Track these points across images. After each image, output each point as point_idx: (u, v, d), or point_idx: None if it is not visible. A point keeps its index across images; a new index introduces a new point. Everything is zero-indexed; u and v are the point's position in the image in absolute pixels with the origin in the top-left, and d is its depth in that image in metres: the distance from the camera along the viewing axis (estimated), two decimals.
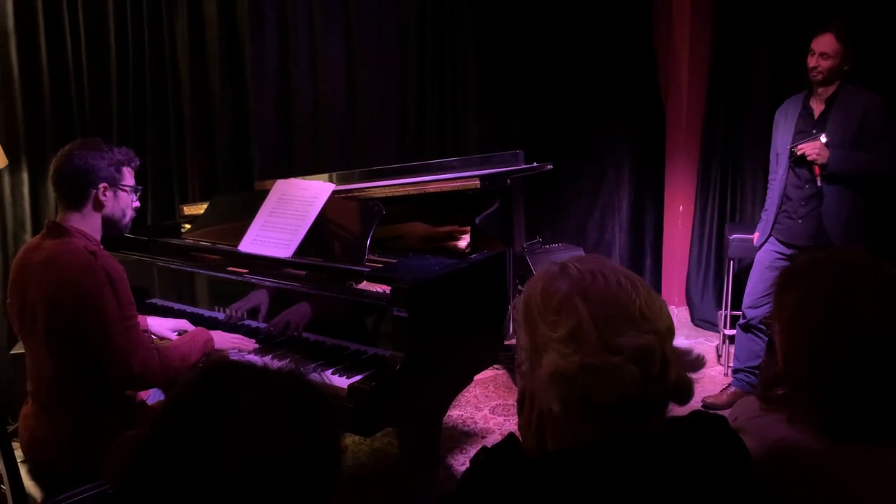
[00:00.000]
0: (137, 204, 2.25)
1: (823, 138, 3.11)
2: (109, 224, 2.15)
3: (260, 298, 2.40)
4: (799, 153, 3.14)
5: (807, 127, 3.22)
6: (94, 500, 2.00)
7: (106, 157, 2.11)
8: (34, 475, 2.05)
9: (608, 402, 0.96)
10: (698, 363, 1.04)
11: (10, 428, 2.70)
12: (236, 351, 2.26)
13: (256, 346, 2.31)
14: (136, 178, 2.22)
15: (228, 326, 2.44)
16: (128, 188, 2.17)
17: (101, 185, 2.09)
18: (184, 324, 2.45)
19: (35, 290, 1.99)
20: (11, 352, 3.05)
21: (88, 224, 2.09)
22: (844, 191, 3.13)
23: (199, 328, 2.28)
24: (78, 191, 2.07)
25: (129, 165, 2.18)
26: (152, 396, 2.40)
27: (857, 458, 1.14)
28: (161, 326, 2.42)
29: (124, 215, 2.17)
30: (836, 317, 1.14)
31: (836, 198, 3.13)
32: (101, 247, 2.09)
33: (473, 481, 1.01)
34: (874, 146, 3.10)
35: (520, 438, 1.09)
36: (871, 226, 3.23)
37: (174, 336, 2.40)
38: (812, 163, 3.11)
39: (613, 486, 0.94)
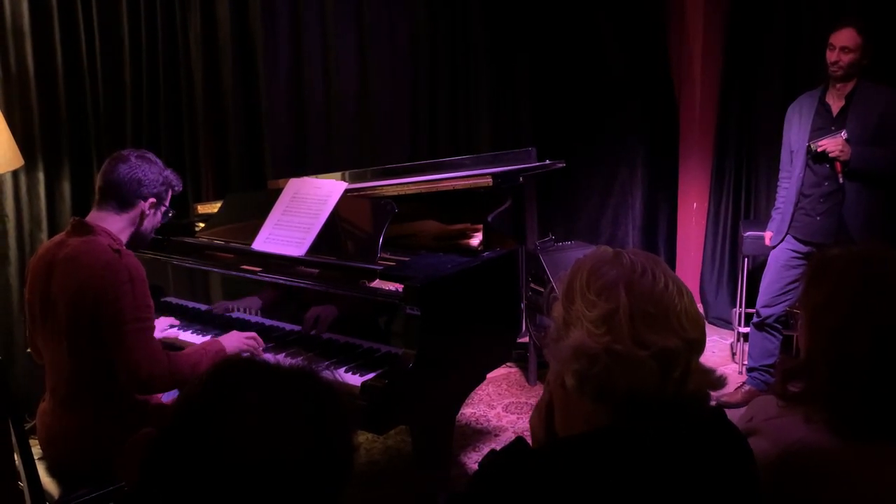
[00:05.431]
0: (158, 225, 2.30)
1: (844, 135, 3.08)
2: (137, 238, 2.19)
3: (273, 297, 2.41)
4: (820, 150, 3.10)
5: (825, 124, 3.18)
6: (112, 498, 2.01)
7: (161, 175, 2.18)
8: (52, 472, 2.07)
9: (621, 388, 0.99)
10: (720, 382, 1.07)
11: (28, 425, 2.73)
12: (248, 353, 2.26)
13: (266, 346, 2.31)
14: None
15: (241, 325, 2.45)
16: (164, 210, 2.23)
17: (151, 200, 2.14)
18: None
19: (58, 285, 2.01)
20: (29, 349, 3.08)
21: (119, 228, 2.11)
22: (864, 187, 3.11)
23: (213, 339, 2.25)
24: (127, 196, 2.11)
25: (173, 189, 2.25)
26: (168, 394, 2.41)
27: (874, 459, 1.13)
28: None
29: (151, 233, 2.23)
30: (861, 313, 1.14)
31: (856, 194, 3.11)
32: (125, 247, 2.11)
33: (482, 482, 1.02)
34: (893, 143, 3.07)
35: (528, 442, 1.10)
36: (889, 222, 3.20)
37: None
38: (833, 159, 3.08)
39: (613, 475, 0.95)
